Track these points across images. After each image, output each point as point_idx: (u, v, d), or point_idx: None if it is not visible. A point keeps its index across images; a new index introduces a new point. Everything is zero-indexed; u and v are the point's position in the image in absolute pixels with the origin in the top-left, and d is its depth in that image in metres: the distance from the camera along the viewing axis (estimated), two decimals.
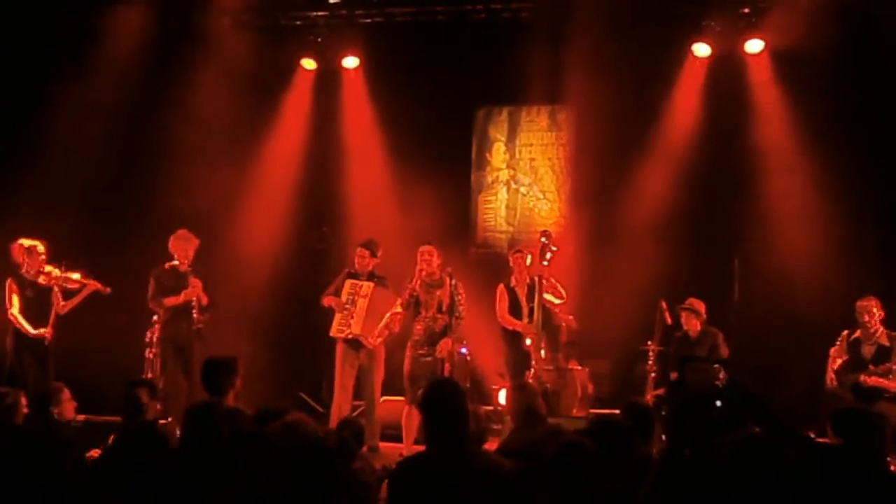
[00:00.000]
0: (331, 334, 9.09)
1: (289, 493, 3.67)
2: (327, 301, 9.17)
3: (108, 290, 9.26)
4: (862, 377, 8.36)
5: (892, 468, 5.31)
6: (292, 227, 11.46)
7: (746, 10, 10.34)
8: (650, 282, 9.74)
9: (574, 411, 8.83)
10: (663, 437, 5.55)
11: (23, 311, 8.95)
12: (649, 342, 9.27)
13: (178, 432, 7.26)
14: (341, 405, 8.90)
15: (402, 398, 8.87)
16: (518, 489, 4.00)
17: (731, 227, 10.40)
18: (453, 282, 8.60)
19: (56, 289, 9.05)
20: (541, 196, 11.66)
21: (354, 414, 8.92)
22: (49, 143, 10.55)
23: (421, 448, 4.45)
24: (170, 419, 8.28)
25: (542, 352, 8.70)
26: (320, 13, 11.21)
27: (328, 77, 11.61)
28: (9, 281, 9.00)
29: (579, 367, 9.25)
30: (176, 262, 9.06)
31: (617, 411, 5.74)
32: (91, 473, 4.73)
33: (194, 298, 9.00)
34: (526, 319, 8.84)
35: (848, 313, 8.65)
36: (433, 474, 4.18)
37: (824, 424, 5.39)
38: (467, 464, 4.20)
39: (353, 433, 5.73)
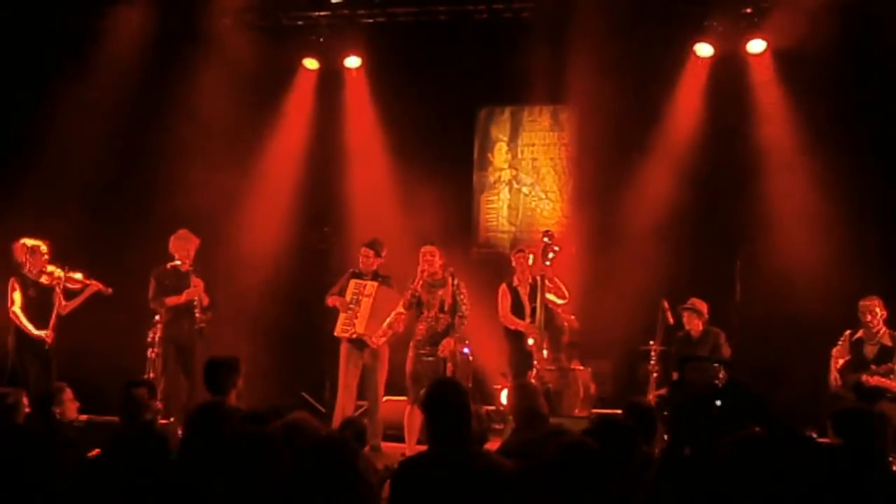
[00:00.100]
0: (335, 334, 9.10)
1: (301, 493, 3.65)
2: (331, 301, 9.17)
3: (110, 290, 9.26)
4: (864, 377, 8.36)
5: (895, 468, 5.32)
6: (294, 227, 11.46)
7: (748, 10, 10.32)
8: (652, 282, 9.73)
9: (576, 411, 8.82)
10: (665, 437, 5.55)
11: (24, 310, 8.95)
12: (651, 342, 9.26)
13: (179, 432, 7.30)
14: (345, 405, 8.91)
15: (404, 398, 8.87)
16: (519, 489, 3.99)
17: (733, 227, 10.39)
18: (456, 281, 8.59)
19: (58, 289, 9.05)
20: (543, 196, 11.65)
21: (357, 414, 8.92)
22: (49, 143, 10.54)
23: (423, 448, 4.44)
24: (171, 419, 8.29)
25: (545, 352, 8.72)
26: (322, 13, 11.20)
27: (330, 77, 11.61)
28: (12, 279, 9.00)
29: (581, 367, 9.24)
30: (178, 262, 9.07)
31: (619, 411, 5.74)
32: (89, 474, 4.71)
33: (196, 298, 9.01)
34: (528, 319, 8.84)
35: (850, 313, 8.65)
36: (435, 474, 4.17)
37: (826, 424, 5.39)
38: (469, 464, 4.20)
39: (356, 433, 5.73)
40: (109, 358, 9.37)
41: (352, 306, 8.99)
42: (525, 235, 11.36)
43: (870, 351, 8.49)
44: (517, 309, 8.98)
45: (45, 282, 9.07)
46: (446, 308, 8.61)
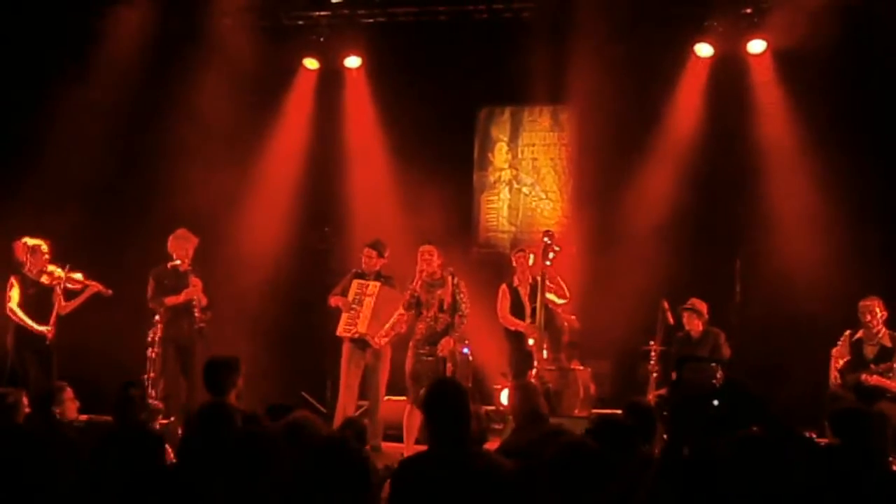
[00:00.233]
0: (337, 334, 9.10)
1: (304, 493, 3.65)
2: (334, 301, 9.17)
3: (110, 291, 9.27)
4: (863, 376, 8.36)
5: (895, 467, 5.32)
6: (294, 227, 11.46)
7: (749, 11, 10.32)
8: (652, 282, 9.74)
9: (576, 411, 8.83)
10: (665, 437, 5.55)
11: (22, 307, 8.95)
12: (651, 342, 9.26)
13: (179, 431, 7.31)
14: (346, 405, 8.90)
15: (403, 398, 8.87)
16: (519, 489, 3.99)
17: (733, 228, 10.40)
18: (455, 280, 8.58)
19: (58, 289, 9.06)
20: (543, 196, 11.65)
21: (357, 413, 8.92)
22: (49, 143, 10.53)
23: (422, 448, 4.44)
24: (171, 419, 8.29)
25: (545, 352, 8.71)
26: (322, 13, 11.20)
27: (330, 77, 11.60)
28: (11, 278, 9.01)
29: (581, 367, 9.24)
30: (178, 262, 9.07)
31: (619, 411, 5.74)
32: (84, 473, 4.71)
33: (195, 298, 9.01)
34: (528, 319, 8.84)
35: (850, 314, 8.65)
36: (435, 474, 4.17)
37: (825, 424, 5.40)
38: (469, 464, 4.20)
39: (356, 433, 5.73)
40: (109, 357, 9.38)
41: (354, 306, 8.99)
42: (525, 235, 11.36)
43: (870, 351, 8.50)
44: (517, 309, 8.98)
45: (46, 282, 9.08)
46: (445, 307, 8.60)
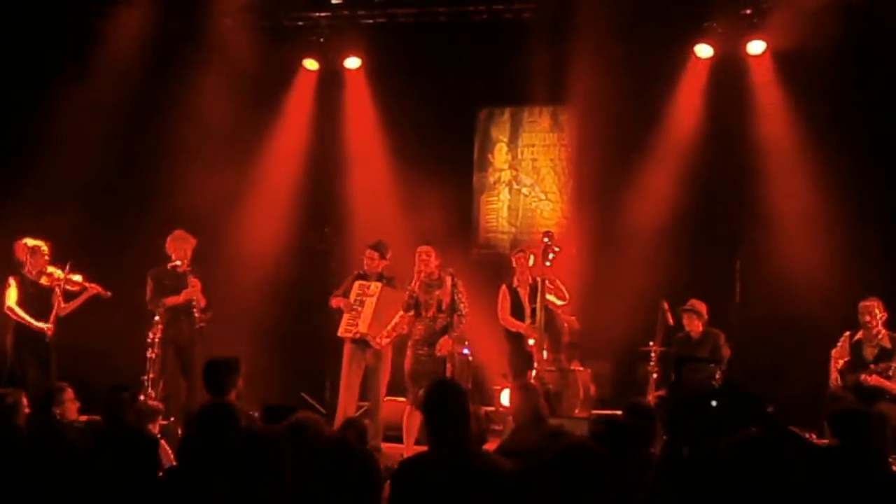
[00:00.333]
0: (338, 334, 9.09)
1: (308, 494, 3.65)
2: (335, 302, 9.16)
3: (109, 293, 9.27)
4: (863, 376, 8.36)
5: (895, 468, 5.32)
6: (294, 227, 11.46)
7: (748, 12, 10.32)
8: (652, 282, 9.74)
9: (576, 412, 8.83)
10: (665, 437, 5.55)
11: (21, 307, 8.95)
12: (651, 343, 9.26)
13: (179, 432, 7.30)
14: (346, 405, 8.89)
15: (403, 398, 8.87)
16: (519, 490, 3.99)
17: (733, 228, 10.40)
18: (454, 281, 8.57)
19: (57, 290, 9.05)
20: (543, 197, 11.66)
21: (357, 414, 8.91)
22: (49, 143, 10.53)
23: (421, 448, 4.44)
24: (171, 419, 8.29)
25: (545, 353, 8.71)
26: (322, 14, 11.21)
27: (330, 78, 11.61)
28: (10, 278, 9.01)
29: (581, 368, 9.25)
30: (178, 263, 9.08)
31: (619, 412, 5.74)
32: (73, 475, 4.72)
33: (194, 298, 9.02)
34: (528, 320, 8.84)
35: (849, 314, 8.65)
36: (435, 475, 4.17)
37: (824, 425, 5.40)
38: (469, 465, 4.20)
39: (357, 433, 5.73)
40: (109, 358, 9.37)
41: (356, 307, 8.98)
42: (525, 236, 11.36)
43: (869, 352, 8.49)
44: (517, 310, 8.98)
45: (45, 283, 9.08)
46: (444, 308, 8.59)
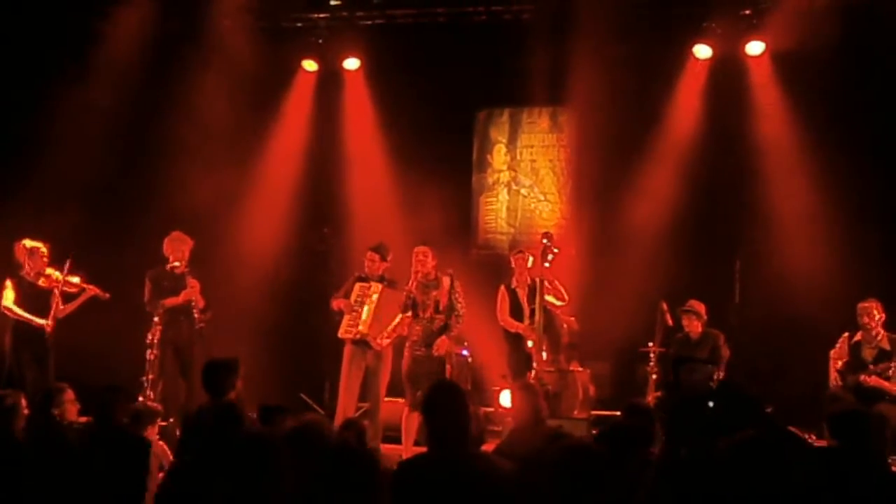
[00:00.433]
0: (339, 335, 9.07)
1: (312, 496, 3.65)
2: (336, 304, 9.13)
3: (108, 295, 9.27)
4: (862, 377, 8.36)
5: (895, 468, 5.32)
6: (293, 228, 11.46)
7: (747, 12, 10.33)
8: (651, 283, 9.74)
9: (575, 413, 8.83)
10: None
11: (18, 305, 8.94)
12: (650, 344, 9.26)
13: (178, 433, 7.30)
14: (346, 407, 8.88)
15: (401, 399, 8.87)
16: (519, 492, 3.99)
17: (732, 229, 10.40)
18: (452, 281, 8.55)
19: (56, 291, 9.05)
20: (542, 198, 11.66)
21: (356, 415, 8.90)
22: (49, 143, 10.53)
23: (420, 450, 4.44)
24: (170, 420, 8.29)
25: (544, 353, 8.71)
26: (321, 15, 11.21)
27: (329, 78, 11.61)
28: (7, 279, 9.00)
29: (580, 369, 9.25)
30: (177, 264, 9.09)
31: (618, 413, 5.75)
32: (70, 477, 4.72)
33: (193, 299, 9.02)
34: (527, 321, 8.84)
35: (849, 315, 8.64)
36: (434, 476, 4.17)
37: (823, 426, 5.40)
38: (468, 466, 4.20)
39: (357, 434, 5.73)
40: (108, 359, 9.36)
41: (356, 308, 8.97)
42: (524, 237, 11.37)
43: (868, 354, 8.49)
44: (516, 311, 8.97)
45: (43, 284, 9.07)
46: (441, 308, 8.58)
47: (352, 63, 11.43)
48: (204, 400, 6.19)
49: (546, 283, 8.75)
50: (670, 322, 9.22)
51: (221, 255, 10.52)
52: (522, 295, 8.99)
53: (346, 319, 9.01)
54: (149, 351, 8.96)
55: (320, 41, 11.32)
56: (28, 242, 9.09)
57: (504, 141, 11.83)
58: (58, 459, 4.76)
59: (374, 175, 11.32)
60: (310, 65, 11.51)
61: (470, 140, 11.90)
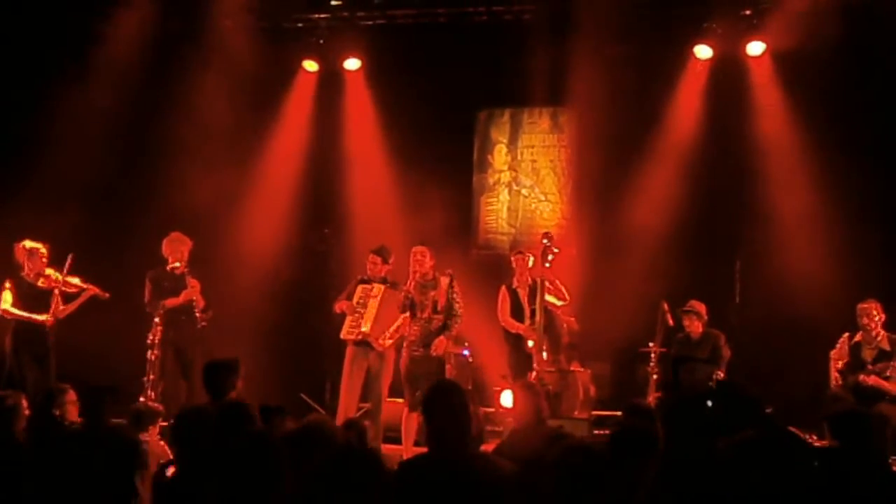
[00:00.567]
0: (341, 336, 9.06)
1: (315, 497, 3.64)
2: (339, 307, 9.11)
3: (108, 295, 9.27)
4: (861, 377, 8.35)
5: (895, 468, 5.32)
6: (294, 228, 11.46)
7: (748, 12, 10.34)
8: (652, 283, 9.74)
9: (576, 413, 8.83)
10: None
11: (18, 306, 8.94)
12: (651, 344, 9.25)
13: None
14: (347, 407, 8.87)
15: (401, 400, 8.86)
16: (520, 492, 3.99)
17: (733, 229, 10.41)
18: (450, 282, 8.53)
19: (56, 292, 9.05)
20: (542, 198, 11.66)
21: (357, 415, 8.90)
22: (50, 143, 10.54)
23: (421, 450, 4.44)
24: (171, 421, 8.27)
25: (544, 354, 8.71)
26: (322, 15, 11.22)
27: (330, 79, 11.61)
28: (7, 280, 9.00)
29: (581, 369, 9.25)
30: (177, 265, 9.09)
31: (618, 413, 5.75)
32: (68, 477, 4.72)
33: (194, 298, 9.03)
34: (528, 321, 8.84)
35: (849, 315, 8.63)
36: (435, 477, 4.17)
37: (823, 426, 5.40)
38: (469, 466, 4.20)
39: (357, 434, 5.74)
40: (108, 360, 9.37)
41: (359, 309, 8.96)
42: (525, 237, 11.36)
43: (868, 354, 8.47)
44: (516, 311, 8.97)
45: (43, 285, 9.06)
46: (439, 309, 8.56)
47: (352, 63, 11.44)
48: (204, 400, 6.19)
49: (547, 283, 8.75)
50: (671, 322, 9.22)
51: (222, 255, 10.53)
52: (523, 295, 8.99)
53: (348, 321, 9.00)
54: (149, 351, 8.97)
55: (321, 41, 11.33)
56: (27, 243, 9.08)
57: (505, 141, 11.83)
58: (58, 460, 4.75)
59: (375, 175, 11.33)
60: (310, 65, 11.52)
61: (471, 140, 11.90)
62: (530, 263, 9.01)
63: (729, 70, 10.57)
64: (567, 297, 9.02)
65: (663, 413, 4.53)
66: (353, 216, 11.37)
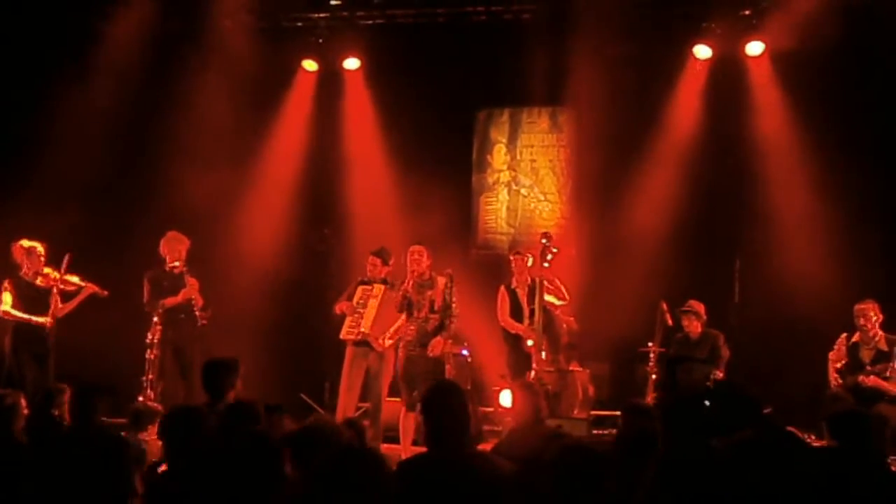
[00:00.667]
0: (341, 336, 9.06)
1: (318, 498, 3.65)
2: (339, 308, 9.10)
3: (106, 293, 9.27)
4: (860, 378, 8.35)
5: (894, 468, 5.32)
6: (293, 228, 11.45)
7: (747, 12, 10.34)
8: (651, 283, 9.75)
9: (575, 413, 8.83)
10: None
11: (16, 309, 8.93)
12: (650, 344, 9.26)
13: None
14: (346, 407, 8.87)
15: (399, 400, 8.85)
16: (519, 491, 3.99)
17: (732, 229, 10.41)
18: (447, 282, 8.51)
19: (55, 290, 9.05)
20: (542, 198, 11.66)
21: (357, 414, 8.90)
22: (50, 143, 10.54)
23: (418, 450, 4.44)
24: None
25: (543, 353, 8.71)
26: (321, 14, 11.21)
27: (329, 79, 11.61)
28: (6, 281, 9.00)
29: (580, 369, 9.25)
30: (176, 263, 9.09)
31: (617, 413, 5.75)
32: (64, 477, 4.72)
33: (193, 297, 9.03)
34: (527, 321, 8.84)
35: (849, 315, 8.62)
36: (434, 476, 4.18)
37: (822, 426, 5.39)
38: (468, 466, 4.20)
39: (356, 433, 5.73)
40: (108, 359, 9.37)
41: (359, 309, 8.95)
42: (524, 237, 11.36)
43: (866, 355, 8.46)
44: (516, 311, 8.97)
45: (41, 284, 9.06)
46: (436, 308, 8.55)
47: (352, 63, 11.43)
48: (204, 399, 6.19)
49: (546, 283, 8.75)
50: (670, 322, 9.22)
51: (222, 255, 10.53)
52: (522, 295, 8.99)
53: (348, 321, 9.00)
54: (149, 351, 8.97)
55: (320, 41, 11.33)
56: (25, 242, 9.08)
57: (504, 141, 11.83)
58: (55, 460, 4.76)
59: (374, 175, 11.32)
60: (310, 65, 11.51)
61: (470, 140, 11.90)
62: (529, 263, 9.01)
63: (728, 70, 10.57)
64: (567, 296, 9.02)
65: (661, 413, 4.54)
66: (352, 216, 11.37)
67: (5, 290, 8.97)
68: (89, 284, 9.21)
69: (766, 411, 7.11)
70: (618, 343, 10.11)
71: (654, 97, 10.63)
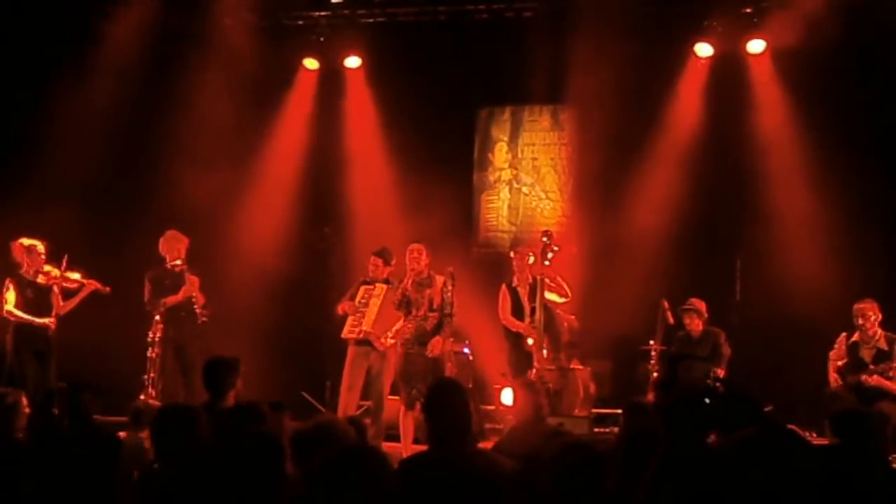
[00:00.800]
0: (342, 335, 9.05)
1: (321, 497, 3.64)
2: (342, 308, 9.09)
3: (108, 289, 9.28)
4: (863, 377, 8.34)
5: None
6: (294, 227, 11.45)
7: (748, 10, 10.34)
8: (652, 281, 9.75)
9: (576, 411, 8.83)
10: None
11: (20, 308, 8.93)
12: (651, 342, 9.27)
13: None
14: (347, 406, 8.87)
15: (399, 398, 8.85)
16: (520, 489, 3.99)
17: (733, 227, 10.41)
18: (446, 281, 8.50)
19: (56, 288, 9.05)
20: (543, 196, 11.66)
21: (358, 413, 8.89)
22: (50, 143, 10.54)
23: (419, 448, 4.44)
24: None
25: (545, 351, 8.71)
26: (322, 13, 11.21)
27: (330, 77, 11.61)
28: (7, 280, 9.00)
29: (581, 367, 9.24)
30: (178, 262, 9.10)
31: (618, 411, 5.75)
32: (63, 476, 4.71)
33: (194, 294, 9.03)
34: (528, 319, 8.83)
35: (849, 314, 8.62)
36: (436, 475, 4.17)
37: (824, 424, 5.39)
38: (469, 464, 4.20)
39: (358, 432, 5.73)
40: (109, 358, 9.38)
41: (361, 308, 8.95)
42: (525, 235, 11.35)
43: (866, 354, 8.45)
44: (517, 309, 8.96)
45: (42, 281, 9.07)
46: (434, 307, 8.54)
47: (353, 61, 11.43)
48: (204, 398, 6.19)
49: (548, 281, 8.75)
50: (671, 320, 9.23)
51: (222, 254, 10.53)
52: (523, 293, 8.98)
53: (349, 320, 9.00)
54: (150, 349, 8.98)
55: (321, 39, 11.33)
56: (25, 241, 9.09)
57: (505, 139, 11.82)
58: (54, 459, 4.75)
59: (376, 173, 11.32)
60: (311, 63, 11.51)
61: (471, 138, 11.89)
62: (530, 260, 9.00)
63: (729, 68, 10.57)
64: (569, 293, 9.02)
65: (662, 411, 4.53)
66: (353, 214, 11.36)
67: (8, 289, 8.97)
68: (90, 281, 9.22)
69: (766, 409, 7.14)
70: (619, 341, 10.11)
71: (655, 95, 10.62)
